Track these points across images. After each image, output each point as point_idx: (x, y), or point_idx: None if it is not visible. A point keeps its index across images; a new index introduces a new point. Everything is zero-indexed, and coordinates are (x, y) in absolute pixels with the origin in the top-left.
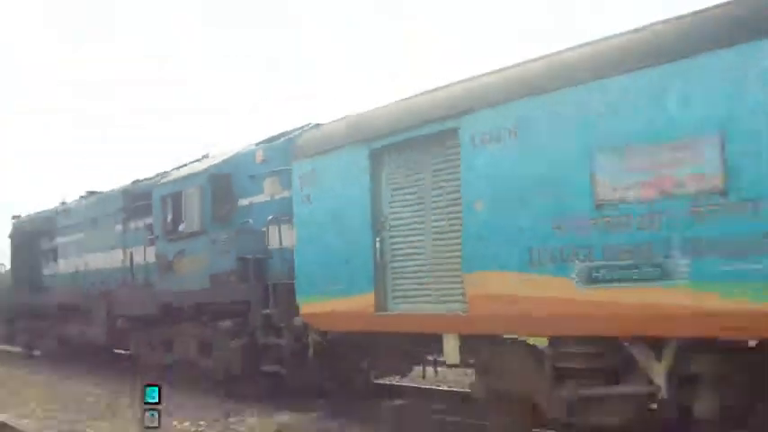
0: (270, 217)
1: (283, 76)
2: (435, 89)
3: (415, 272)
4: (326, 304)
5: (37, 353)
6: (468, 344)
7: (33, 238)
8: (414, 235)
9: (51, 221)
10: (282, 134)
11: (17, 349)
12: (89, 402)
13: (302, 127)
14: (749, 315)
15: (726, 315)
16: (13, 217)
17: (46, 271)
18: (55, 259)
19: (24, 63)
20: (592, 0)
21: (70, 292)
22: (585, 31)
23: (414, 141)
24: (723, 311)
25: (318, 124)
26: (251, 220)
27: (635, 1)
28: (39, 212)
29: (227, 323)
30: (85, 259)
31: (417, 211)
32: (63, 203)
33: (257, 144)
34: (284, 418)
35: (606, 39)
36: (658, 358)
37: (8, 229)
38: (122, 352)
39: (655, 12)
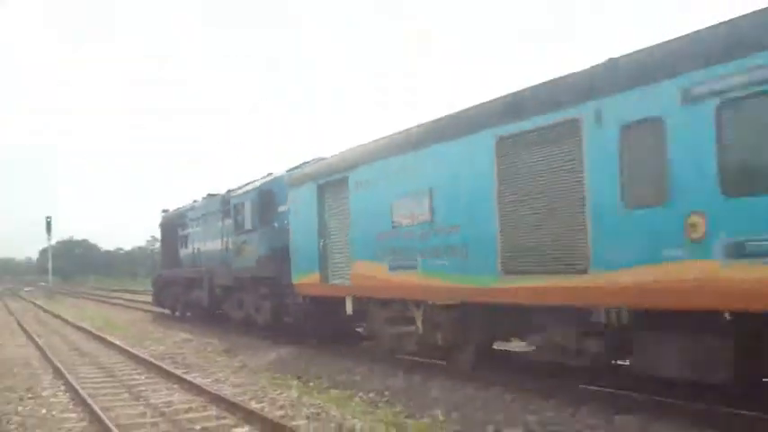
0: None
1: (283, 76)
2: (342, 152)
3: (338, 261)
4: (302, 279)
5: (177, 314)
6: (356, 302)
7: (173, 227)
8: (338, 239)
9: (184, 216)
10: (302, 164)
11: (165, 311)
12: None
13: (310, 161)
14: (448, 288)
15: (444, 288)
16: (162, 211)
17: (180, 253)
18: (185, 244)
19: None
20: (592, 0)
21: (191, 268)
22: (585, 31)
23: (334, 182)
24: (444, 287)
25: (321, 158)
26: (276, 224)
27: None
28: (177, 208)
29: (264, 290)
30: (201, 245)
31: (339, 224)
32: (194, 201)
33: (287, 170)
34: (288, 348)
35: (398, 132)
36: (419, 310)
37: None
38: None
39: (653, 12)
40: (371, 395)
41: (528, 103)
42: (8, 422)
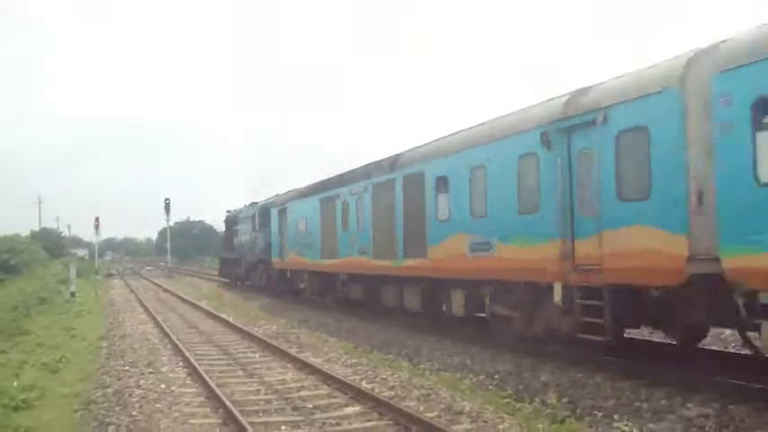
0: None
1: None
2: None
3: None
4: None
5: (230, 282)
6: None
7: (231, 223)
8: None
9: (236, 215)
10: (275, 196)
11: (225, 280)
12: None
13: (279, 194)
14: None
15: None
16: (227, 211)
17: (234, 241)
18: (236, 236)
19: None
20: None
21: (237, 253)
22: (585, 30)
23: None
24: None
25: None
26: (268, 229)
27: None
28: (234, 209)
29: (261, 266)
30: (242, 237)
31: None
32: (244, 206)
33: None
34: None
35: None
36: None
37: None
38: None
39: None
40: (481, 378)
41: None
42: (130, 395)
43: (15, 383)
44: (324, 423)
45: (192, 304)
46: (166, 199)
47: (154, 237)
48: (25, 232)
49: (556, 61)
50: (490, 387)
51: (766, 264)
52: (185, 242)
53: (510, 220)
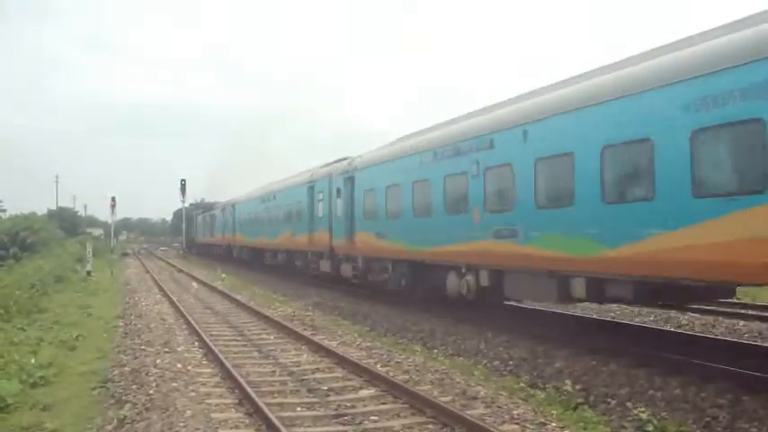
0: None
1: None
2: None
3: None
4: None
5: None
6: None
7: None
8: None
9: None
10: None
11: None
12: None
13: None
14: None
15: None
16: None
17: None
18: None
19: None
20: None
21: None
22: (585, 30)
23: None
24: None
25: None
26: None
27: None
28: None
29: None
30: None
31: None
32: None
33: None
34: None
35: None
36: None
37: None
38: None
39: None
40: (496, 363)
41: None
42: (147, 374)
43: (33, 360)
44: (339, 405)
45: (208, 285)
46: (182, 180)
47: (169, 218)
48: (42, 210)
49: (555, 61)
50: (504, 373)
51: None
52: None
53: None
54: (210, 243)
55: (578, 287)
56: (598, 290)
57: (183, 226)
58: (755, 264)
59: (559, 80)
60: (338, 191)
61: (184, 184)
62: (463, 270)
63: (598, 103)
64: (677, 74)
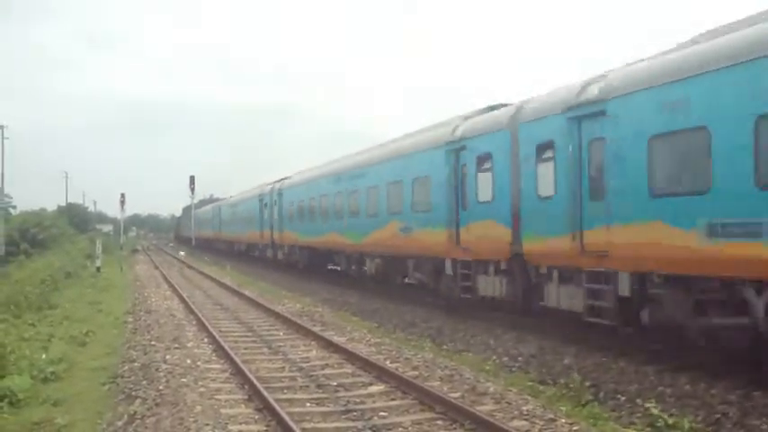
0: None
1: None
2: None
3: None
4: None
5: None
6: None
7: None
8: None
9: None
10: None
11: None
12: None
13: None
14: None
15: None
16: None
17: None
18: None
19: None
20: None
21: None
22: (585, 30)
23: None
24: None
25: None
26: None
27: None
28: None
29: None
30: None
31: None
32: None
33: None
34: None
35: None
36: None
37: None
38: None
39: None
40: (505, 359)
41: None
42: (157, 369)
43: (44, 356)
44: (348, 401)
45: (217, 281)
46: (191, 175)
47: (178, 214)
48: (52, 207)
49: (555, 60)
50: (513, 369)
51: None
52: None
53: None
54: (223, 239)
55: None
56: None
57: (192, 222)
58: None
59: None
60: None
61: (193, 180)
62: None
63: None
64: None
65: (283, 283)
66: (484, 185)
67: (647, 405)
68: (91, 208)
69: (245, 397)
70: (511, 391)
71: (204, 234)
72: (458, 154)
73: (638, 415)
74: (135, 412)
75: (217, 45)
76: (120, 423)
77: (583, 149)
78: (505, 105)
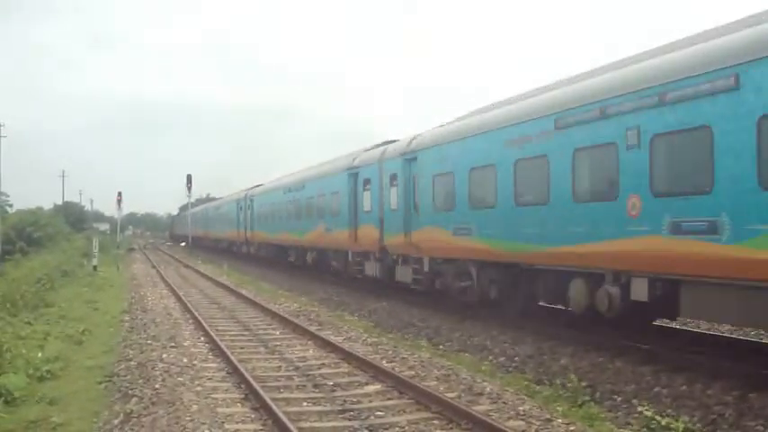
0: None
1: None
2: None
3: None
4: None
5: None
6: None
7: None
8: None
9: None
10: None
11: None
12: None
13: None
14: None
15: None
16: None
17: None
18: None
19: None
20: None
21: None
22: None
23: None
24: None
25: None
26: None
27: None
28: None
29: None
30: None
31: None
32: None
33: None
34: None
35: None
36: None
37: None
38: None
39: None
40: (501, 360)
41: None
42: (153, 368)
43: (40, 354)
44: (345, 401)
45: (213, 280)
46: (188, 174)
47: (174, 212)
48: (48, 205)
49: (554, 60)
50: (510, 369)
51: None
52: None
53: None
54: (210, 238)
55: None
56: None
57: (189, 222)
58: None
59: None
60: (248, 206)
61: (190, 179)
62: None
63: None
64: None
65: (281, 283)
66: (366, 200)
67: (640, 408)
68: (87, 207)
69: (242, 396)
70: (507, 391)
71: (196, 233)
72: (355, 177)
73: (635, 415)
74: (131, 411)
75: (217, 45)
76: (116, 422)
77: (409, 180)
78: (394, 142)
